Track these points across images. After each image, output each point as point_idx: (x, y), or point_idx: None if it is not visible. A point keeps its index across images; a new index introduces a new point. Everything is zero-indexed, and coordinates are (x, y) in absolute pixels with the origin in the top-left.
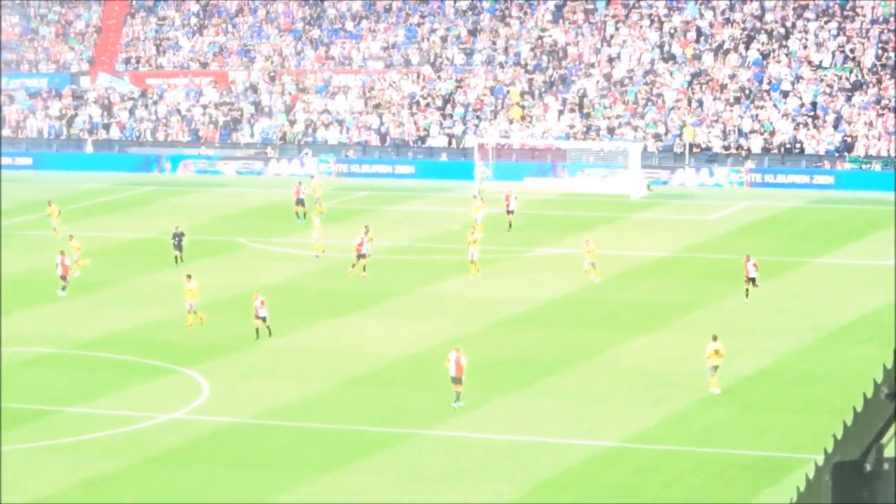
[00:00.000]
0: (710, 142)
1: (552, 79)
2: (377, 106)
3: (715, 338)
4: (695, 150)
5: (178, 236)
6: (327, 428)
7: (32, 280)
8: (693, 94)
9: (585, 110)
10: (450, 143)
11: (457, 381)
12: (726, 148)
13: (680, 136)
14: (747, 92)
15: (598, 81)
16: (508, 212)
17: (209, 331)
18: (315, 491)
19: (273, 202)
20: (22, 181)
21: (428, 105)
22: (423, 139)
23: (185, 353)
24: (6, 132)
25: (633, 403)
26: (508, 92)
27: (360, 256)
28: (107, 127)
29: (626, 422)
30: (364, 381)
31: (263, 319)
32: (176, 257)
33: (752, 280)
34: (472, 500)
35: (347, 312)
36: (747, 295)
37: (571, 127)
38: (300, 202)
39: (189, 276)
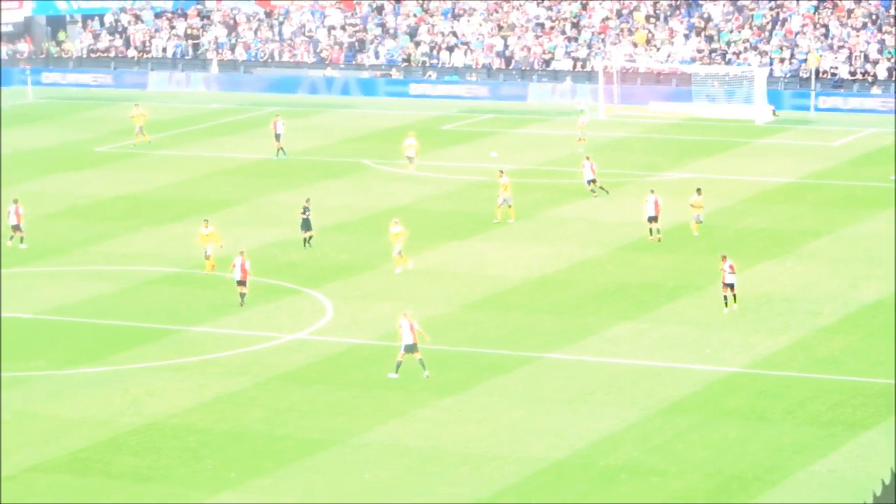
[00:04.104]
0: (836, 67)
1: (677, 2)
2: (502, 28)
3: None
4: (821, 75)
5: (306, 209)
6: (449, 350)
7: (158, 198)
8: (819, 19)
9: (710, 34)
10: (574, 67)
11: (411, 347)
12: (852, 74)
13: (805, 61)
14: (874, 17)
15: (723, 5)
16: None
17: (334, 252)
18: (436, 413)
19: (398, 124)
20: (147, 100)
21: (553, 28)
22: (547, 62)
23: (309, 273)
24: (132, 52)
25: (756, 329)
26: (633, 15)
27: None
28: (232, 47)
29: (749, 348)
30: (486, 304)
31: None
32: (304, 239)
33: (731, 286)
34: (597, 424)
35: (470, 235)
36: (727, 304)
37: (698, 51)
38: (278, 137)
39: (206, 221)
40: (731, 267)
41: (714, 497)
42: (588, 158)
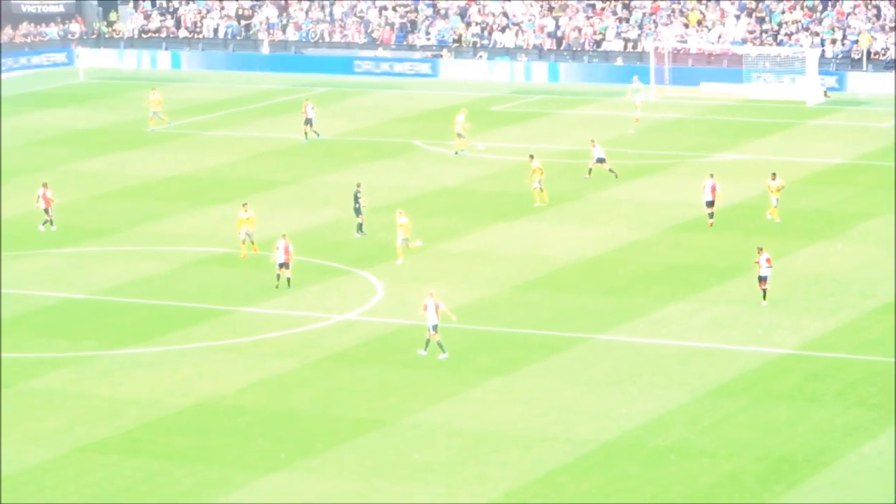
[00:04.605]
0: (887, 48)
1: None
2: (553, 9)
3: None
4: (872, 56)
5: (357, 197)
6: (498, 331)
7: (208, 179)
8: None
9: (762, 15)
10: (625, 48)
11: (434, 328)
12: None
13: (857, 42)
14: None
15: None
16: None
17: (384, 233)
18: (486, 394)
19: (448, 105)
20: (201, 80)
21: (604, 9)
22: (598, 43)
23: (359, 254)
24: (183, 32)
25: (807, 311)
26: None
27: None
28: (283, 28)
29: (800, 329)
30: (536, 285)
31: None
32: (359, 225)
33: (763, 280)
34: (647, 405)
35: (520, 216)
36: (765, 297)
37: (749, 32)
38: (308, 122)
39: (246, 205)
40: (767, 260)
41: (764, 479)
42: (593, 141)
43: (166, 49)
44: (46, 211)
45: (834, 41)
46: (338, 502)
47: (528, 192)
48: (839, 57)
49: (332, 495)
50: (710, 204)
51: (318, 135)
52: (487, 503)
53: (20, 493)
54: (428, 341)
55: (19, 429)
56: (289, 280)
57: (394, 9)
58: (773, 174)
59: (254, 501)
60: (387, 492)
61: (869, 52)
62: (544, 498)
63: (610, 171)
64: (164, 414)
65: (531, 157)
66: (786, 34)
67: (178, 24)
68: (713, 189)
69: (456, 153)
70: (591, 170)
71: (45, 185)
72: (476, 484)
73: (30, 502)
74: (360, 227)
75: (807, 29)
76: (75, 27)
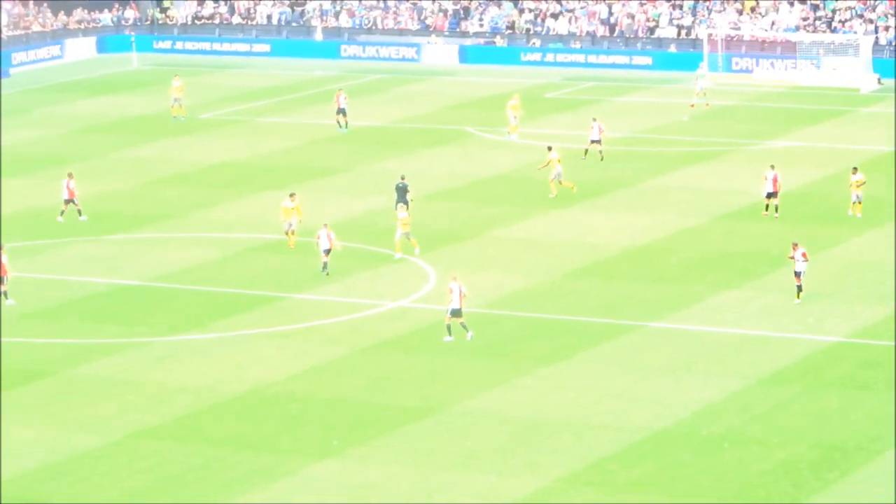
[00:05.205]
0: None
1: None
2: None
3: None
4: None
5: (402, 189)
6: (551, 318)
7: (261, 165)
8: None
9: (815, 2)
10: (679, 35)
11: (457, 312)
12: None
13: None
14: None
15: None
16: (592, 141)
17: (436, 220)
18: (537, 381)
19: (501, 92)
20: (252, 67)
21: None
22: (651, 30)
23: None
24: (236, 19)
25: (859, 298)
26: None
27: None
28: (336, 14)
29: (851, 317)
30: (588, 273)
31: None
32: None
33: (798, 275)
34: (699, 393)
35: (573, 203)
36: (799, 294)
37: (803, 19)
38: (341, 111)
39: (293, 195)
40: (803, 255)
41: (817, 467)
42: (595, 120)
43: (219, 35)
44: (70, 202)
45: (888, 28)
46: (389, 489)
47: (579, 179)
48: (893, 44)
49: (383, 482)
50: (772, 195)
51: (346, 127)
52: (539, 490)
53: (72, 479)
54: (449, 326)
55: (71, 415)
56: (325, 265)
57: None
58: (855, 168)
59: (305, 488)
60: (437, 479)
61: None
62: (595, 485)
63: (599, 152)
64: (217, 401)
65: (549, 147)
66: (839, 21)
67: (231, 11)
68: (775, 180)
69: (509, 135)
70: (587, 151)
71: (70, 176)
72: (527, 471)
73: (82, 488)
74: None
75: (861, 16)
76: (129, 13)
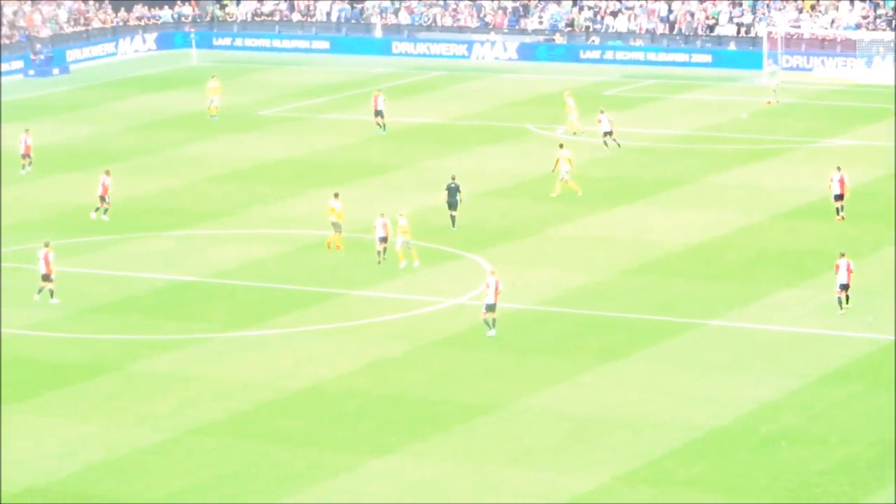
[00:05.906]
0: None
1: None
2: None
3: None
4: None
5: (453, 190)
6: (610, 316)
7: (320, 162)
8: None
9: (876, 0)
10: (738, 32)
11: (491, 307)
12: None
13: None
14: None
15: None
16: (605, 133)
17: (495, 217)
18: (596, 378)
19: (561, 89)
20: (311, 64)
21: None
22: (711, 28)
23: (470, 238)
24: (296, 16)
25: None
26: None
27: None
28: (396, 11)
29: None
30: (647, 270)
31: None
32: (452, 218)
33: (845, 287)
34: (757, 391)
35: (632, 200)
36: (841, 305)
37: (863, 17)
38: (378, 113)
39: (337, 195)
40: (848, 268)
41: (876, 466)
42: (603, 111)
43: (279, 32)
44: (102, 199)
45: None
46: (446, 486)
47: (637, 177)
48: None
49: (441, 479)
50: (839, 197)
51: (384, 128)
52: (596, 488)
53: (131, 475)
54: (486, 321)
55: (130, 411)
56: (379, 253)
57: None
58: None
59: (363, 484)
60: (496, 476)
61: None
62: (653, 483)
63: (614, 140)
64: (275, 397)
65: (560, 146)
66: None
67: (291, 8)
68: (841, 182)
69: (574, 134)
70: (605, 142)
71: (107, 173)
72: (585, 468)
73: (141, 484)
74: (453, 220)
75: None
76: (188, 10)
